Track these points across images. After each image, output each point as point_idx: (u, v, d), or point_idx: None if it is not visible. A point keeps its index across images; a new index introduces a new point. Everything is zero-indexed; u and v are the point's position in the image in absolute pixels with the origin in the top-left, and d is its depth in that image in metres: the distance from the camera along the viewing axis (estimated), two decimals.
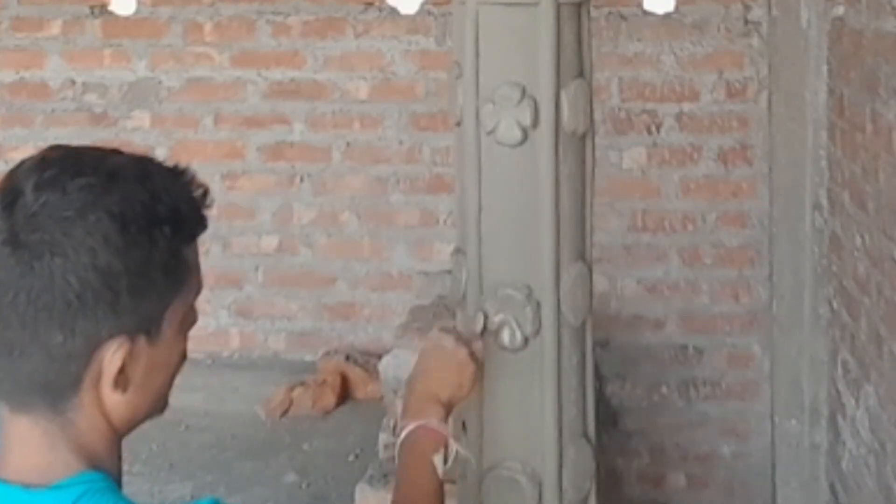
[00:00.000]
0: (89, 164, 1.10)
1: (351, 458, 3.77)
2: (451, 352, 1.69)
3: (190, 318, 1.19)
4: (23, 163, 1.13)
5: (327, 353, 4.29)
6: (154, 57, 4.38)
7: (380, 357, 3.49)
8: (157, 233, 1.10)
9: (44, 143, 4.32)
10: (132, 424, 1.15)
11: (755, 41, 4.11)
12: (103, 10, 4.33)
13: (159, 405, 1.18)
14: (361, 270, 4.37)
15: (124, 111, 4.41)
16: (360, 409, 4.09)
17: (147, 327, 1.11)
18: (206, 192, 1.17)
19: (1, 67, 4.44)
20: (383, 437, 3.21)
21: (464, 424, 2.04)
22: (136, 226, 1.08)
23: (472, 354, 1.71)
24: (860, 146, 3.17)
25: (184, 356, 1.20)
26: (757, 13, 4.09)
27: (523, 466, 1.93)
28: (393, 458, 3.18)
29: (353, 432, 3.91)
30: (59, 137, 4.40)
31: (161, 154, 4.35)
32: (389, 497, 1.66)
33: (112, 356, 1.08)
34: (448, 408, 1.67)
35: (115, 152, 1.15)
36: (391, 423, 3.22)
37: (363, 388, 4.16)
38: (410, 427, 1.62)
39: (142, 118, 4.41)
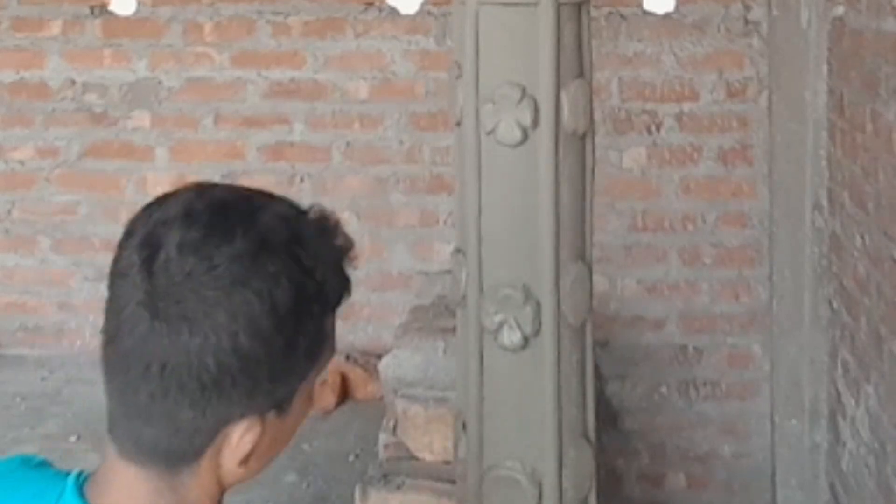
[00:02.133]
0: (238, 224, 1.01)
1: (351, 458, 3.77)
2: None
3: (316, 379, 1.12)
4: (163, 205, 1.05)
5: None
6: (154, 57, 4.38)
7: (380, 357, 3.48)
8: (304, 313, 1.03)
9: (44, 143, 4.29)
10: (239, 484, 1.11)
11: (755, 41, 4.10)
12: (103, 10, 4.33)
13: (269, 462, 1.13)
14: (361, 270, 4.35)
15: (124, 111, 4.41)
16: (360, 409, 4.09)
17: (280, 405, 1.06)
18: (351, 245, 1.09)
19: (1, 67, 4.44)
20: (383, 437, 3.21)
21: (464, 424, 2.04)
22: (284, 308, 1.00)
23: None
24: (860, 146, 3.17)
25: (307, 415, 1.13)
26: (757, 13, 4.09)
27: (523, 466, 1.93)
28: (394, 457, 3.19)
29: (353, 432, 3.91)
30: (59, 137, 4.41)
31: (161, 154, 4.36)
32: (389, 497, 1.66)
33: (242, 438, 1.03)
34: None
35: (263, 200, 1.06)
36: (391, 423, 3.22)
37: (363, 388, 4.16)
38: None
39: (142, 118, 4.41)
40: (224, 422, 1.03)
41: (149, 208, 1.05)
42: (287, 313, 1.01)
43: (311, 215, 1.08)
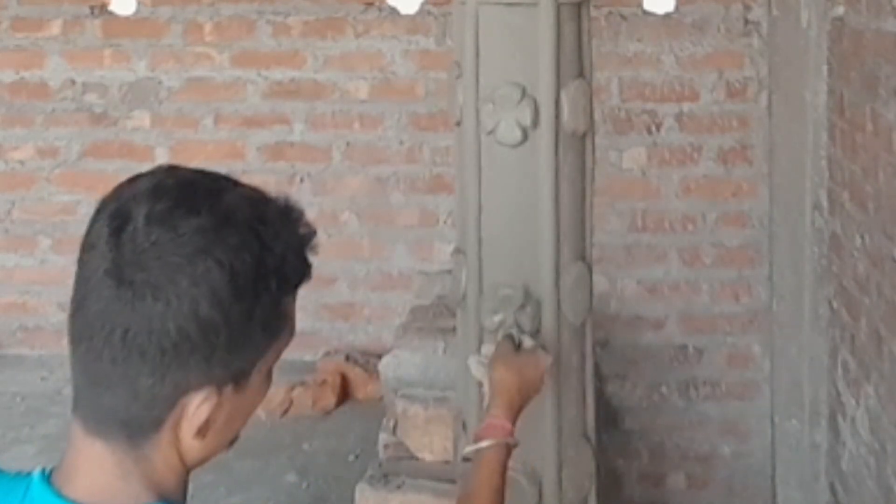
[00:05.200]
0: (204, 200, 1.06)
1: (351, 458, 3.77)
2: (523, 362, 1.83)
3: (276, 362, 1.16)
4: (134, 182, 1.09)
5: (327, 353, 4.29)
6: (154, 57, 4.38)
7: (380, 357, 3.49)
8: (262, 287, 1.07)
9: (44, 144, 4.29)
10: (204, 462, 1.14)
11: (755, 41, 4.11)
12: (103, 10, 4.33)
13: (231, 444, 1.17)
14: (361, 270, 4.37)
15: (124, 111, 4.41)
16: (360, 409, 4.09)
17: (237, 379, 1.09)
18: (313, 234, 1.13)
19: (1, 67, 4.44)
20: (383, 437, 3.21)
21: (464, 424, 2.04)
22: (243, 279, 1.04)
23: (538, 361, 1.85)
24: (860, 146, 3.17)
25: (264, 397, 1.17)
26: (757, 13, 4.09)
27: (523, 466, 1.94)
28: (394, 457, 3.19)
29: (353, 432, 3.91)
30: (59, 137, 4.41)
31: (161, 154, 4.36)
32: (389, 497, 1.68)
33: (199, 407, 1.06)
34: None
35: (229, 183, 1.11)
36: (391, 423, 3.22)
37: (363, 388, 4.16)
38: (501, 441, 1.72)
39: (142, 118, 4.41)
40: (182, 391, 1.06)
41: (120, 186, 1.10)
42: (246, 284, 1.05)
43: (277, 202, 1.12)
